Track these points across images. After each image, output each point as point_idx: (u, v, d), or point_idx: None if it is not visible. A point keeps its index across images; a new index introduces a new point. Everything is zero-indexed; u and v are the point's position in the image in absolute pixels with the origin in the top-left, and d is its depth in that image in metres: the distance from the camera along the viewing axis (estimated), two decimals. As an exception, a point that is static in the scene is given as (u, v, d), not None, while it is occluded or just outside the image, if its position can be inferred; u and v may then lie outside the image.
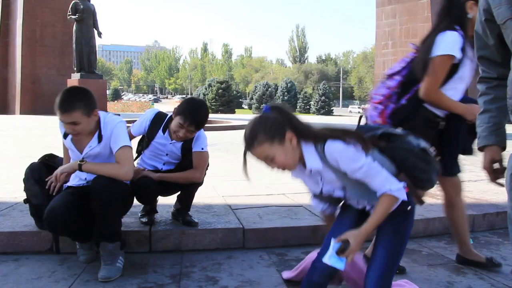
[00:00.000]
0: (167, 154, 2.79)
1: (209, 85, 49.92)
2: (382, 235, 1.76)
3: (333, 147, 1.63)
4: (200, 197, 3.48)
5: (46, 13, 18.09)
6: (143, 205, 2.92)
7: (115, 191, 2.30)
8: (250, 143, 1.68)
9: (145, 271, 2.41)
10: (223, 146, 7.67)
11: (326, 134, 1.67)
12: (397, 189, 1.64)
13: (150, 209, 2.91)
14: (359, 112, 53.37)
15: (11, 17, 18.88)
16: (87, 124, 2.32)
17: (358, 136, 1.66)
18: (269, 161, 1.67)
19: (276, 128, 1.65)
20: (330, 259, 1.65)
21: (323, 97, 50.77)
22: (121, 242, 2.42)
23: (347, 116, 35.30)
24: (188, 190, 2.83)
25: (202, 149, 2.74)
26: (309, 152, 1.67)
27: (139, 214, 2.92)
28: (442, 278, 2.37)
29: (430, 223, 3.11)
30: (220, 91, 47.72)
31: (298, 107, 54.53)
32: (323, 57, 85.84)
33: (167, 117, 2.81)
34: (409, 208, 1.75)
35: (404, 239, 1.78)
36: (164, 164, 2.81)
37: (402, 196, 1.65)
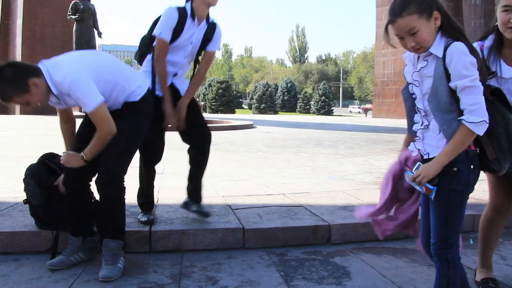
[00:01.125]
0: (191, 43, 2.83)
1: (209, 85, 49.86)
2: (431, 202, 1.73)
3: (458, 47, 1.61)
4: (200, 197, 3.49)
5: (46, 13, 18.05)
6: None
7: (119, 187, 2.38)
8: (399, 13, 1.64)
9: (145, 271, 2.41)
10: (223, 146, 7.68)
11: (461, 36, 1.67)
12: (480, 121, 1.59)
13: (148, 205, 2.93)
14: (359, 112, 53.48)
15: (11, 17, 18.86)
16: (37, 97, 2.33)
17: (481, 63, 1.66)
18: (410, 35, 1.65)
19: (428, 3, 1.64)
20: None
21: (323, 97, 50.76)
22: (123, 242, 2.43)
23: (347, 116, 35.31)
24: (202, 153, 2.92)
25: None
26: (440, 40, 1.67)
27: (139, 214, 2.92)
28: (441, 278, 2.37)
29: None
30: (220, 91, 47.71)
31: (298, 107, 54.60)
32: (323, 57, 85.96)
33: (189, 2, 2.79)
34: (455, 169, 1.66)
35: (451, 204, 1.70)
36: (185, 58, 2.86)
37: (480, 131, 1.60)
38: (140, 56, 2.97)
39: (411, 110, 1.86)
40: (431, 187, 1.65)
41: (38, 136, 8.76)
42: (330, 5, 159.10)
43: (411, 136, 1.90)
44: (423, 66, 1.71)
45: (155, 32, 2.75)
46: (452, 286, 1.76)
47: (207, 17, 2.84)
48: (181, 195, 3.53)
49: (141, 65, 2.96)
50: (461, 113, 1.62)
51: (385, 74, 20.34)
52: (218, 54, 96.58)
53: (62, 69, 2.30)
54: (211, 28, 2.87)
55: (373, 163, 5.68)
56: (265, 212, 3.15)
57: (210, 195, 3.61)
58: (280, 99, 55.59)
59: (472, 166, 1.68)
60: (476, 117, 1.58)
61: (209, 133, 2.97)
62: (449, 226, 1.73)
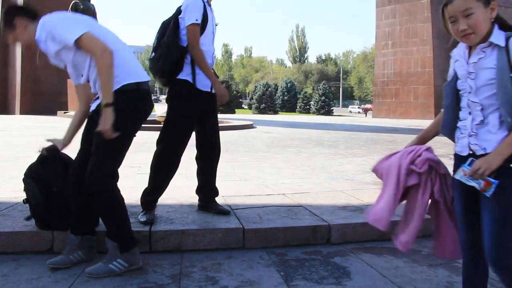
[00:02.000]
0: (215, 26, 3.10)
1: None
2: (488, 203, 1.63)
3: None
4: (200, 197, 3.49)
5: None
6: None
7: (103, 191, 2.36)
8: None
9: (145, 271, 2.41)
10: (223, 146, 7.61)
11: None
12: None
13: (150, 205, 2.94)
14: (359, 112, 53.47)
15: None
16: (23, 37, 2.40)
17: None
18: (465, 16, 1.63)
19: None
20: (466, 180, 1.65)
21: (323, 97, 50.73)
22: (120, 245, 2.38)
23: (347, 116, 35.31)
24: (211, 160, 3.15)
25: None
26: (499, 31, 1.66)
27: (139, 214, 2.92)
28: (442, 278, 2.37)
29: (429, 223, 3.09)
30: (220, 91, 47.57)
31: (298, 107, 54.54)
32: (323, 57, 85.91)
33: None
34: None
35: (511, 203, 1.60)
36: (213, 44, 3.07)
37: None
38: (174, 64, 2.83)
39: (450, 107, 1.79)
40: (492, 180, 1.56)
41: (38, 136, 8.75)
42: (330, 5, 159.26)
43: (430, 133, 1.92)
44: (481, 57, 1.66)
45: (190, 20, 2.80)
46: None
47: None
48: (181, 195, 3.55)
49: (174, 76, 2.86)
50: None
51: (385, 74, 20.34)
52: (218, 54, 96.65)
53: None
54: None
55: (373, 163, 5.68)
56: (265, 212, 3.15)
57: (210, 195, 3.62)
58: (280, 99, 55.56)
59: None
60: None
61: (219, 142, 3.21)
62: (509, 228, 1.61)
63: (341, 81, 69.87)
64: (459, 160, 1.73)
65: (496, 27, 1.66)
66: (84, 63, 2.36)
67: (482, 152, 1.65)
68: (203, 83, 2.91)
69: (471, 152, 1.69)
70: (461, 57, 1.74)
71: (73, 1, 14.77)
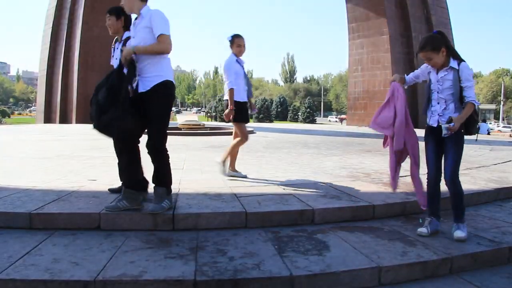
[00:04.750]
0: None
1: (219, 100, 49.90)
2: (449, 144, 2.47)
3: (466, 65, 2.47)
4: (212, 187, 3.48)
5: (97, 47, 18.15)
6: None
7: (161, 151, 2.65)
8: (420, 49, 2.49)
9: (170, 244, 2.40)
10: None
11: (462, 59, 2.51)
12: (477, 101, 2.44)
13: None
14: (336, 121, 53.30)
15: (71, 50, 19.30)
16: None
17: None
18: (429, 60, 2.49)
19: (437, 44, 2.45)
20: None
21: (308, 109, 50.73)
22: (167, 189, 2.70)
23: (327, 124, 35.21)
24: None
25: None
26: (453, 61, 2.49)
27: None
28: (399, 248, 2.36)
29: (390, 207, 3.09)
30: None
31: (288, 117, 54.49)
32: (308, 78, 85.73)
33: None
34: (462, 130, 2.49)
35: (462, 147, 2.51)
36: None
37: (476, 105, 2.42)
38: None
39: (426, 98, 2.58)
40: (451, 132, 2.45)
41: (88, 140, 8.76)
42: (314, 37, 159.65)
43: (402, 80, 2.77)
44: (445, 74, 2.49)
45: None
46: (463, 196, 2.54)
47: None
48: (197, 186, 3.53)
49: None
50: (461, 100, 2.45)
51: (356, 92, 20.29)
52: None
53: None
54: None
55: (347, 160, 5.67)
56: (263, 199, 3.13)
57: (220, 186, 3.61)
58: (274, 111, 55.49)
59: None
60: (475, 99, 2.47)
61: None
62: (459, 160, 2.49)
63: (322, 97, 69.67)
64: (430, 129, 2.58)
65: (451, 58, 2.47)
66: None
67: (447, 121, 2.45)
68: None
69: (439, 124, 2.50)
70: (432, 71, 2.56)
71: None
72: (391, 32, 18.11)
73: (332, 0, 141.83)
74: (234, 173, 4.04)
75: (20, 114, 61.42)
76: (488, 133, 16.14)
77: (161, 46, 2.59)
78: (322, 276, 2.03)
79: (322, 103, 69.20)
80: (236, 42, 3.92)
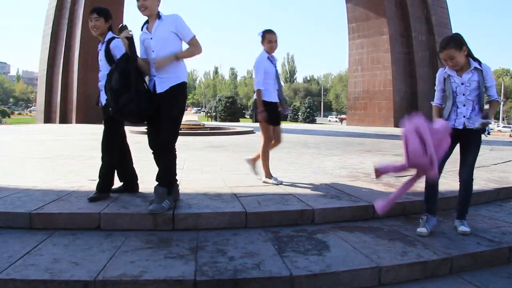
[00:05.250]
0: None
1: (219, 100, 49.95)
2: (471, 146, 2.53)
3: (486, 65, 2.52)
4: (212, 187, 3.48)
5: (97, 47, 18.16)
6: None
7: (169, 152, 2.70)
8: (444, 47, 2.47)
9: (170, 244, 2.40)
10: (230, 147, 7.66)
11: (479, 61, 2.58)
12: (500, 99, 2.59)
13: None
14: (336, 121, 53.32)
15: (71, 50, 19.34)
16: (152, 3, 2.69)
17: None
18: (451, 59, 2.47)
19: (459, 43, 2.46)
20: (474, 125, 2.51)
21: (308, 109, 50.74)
22: (168, 189, 2.70)
23: (327, 124, 35.21)
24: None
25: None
26: (473, 62, 2.51)
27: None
28: (399, 248, 2.36)
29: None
30: (227, 104, 47.87)
31: (288, 117, 54.46)
32: (308, 78, 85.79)
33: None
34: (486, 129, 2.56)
35: (480, 146, 2.57)
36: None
37: (500, 102, 2.57)
38: None
39: (453, 102, 2.58)
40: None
41: (90, 140, 8.76)
42: (314, 37, 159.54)
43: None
44: (471, 76, 2.50)
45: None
46: (472, 194, 2.61)
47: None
48: (197, 186, 3.53)
49: None
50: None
51: (356, 92, 20.28)
52: (226, 76, 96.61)
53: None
54: None
55: (347, 160, 5.67)
56: (263, 199, 3.13)
57: (220, 186, 3.61)
58: (275, 111, 55.34)
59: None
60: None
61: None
62: (475, 159, 2.56)
63: (322, 97, 69.70)
64: (456, 130, 2.52)
65: (470, 59, 2.49)
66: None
67: (471, 127, 2.50)
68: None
69: (465, 127, 2.53)
70: (453, 75, 2.53)
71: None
72: (391, 32, 18.12)
73: (332, 0, 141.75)
74: (267, 180, 3.79)
75: (20, 114, 61.50)
76: (488, 133, 16.14)
77: (197, 48, 2.75)
78: (322, 276, 2.03)
79: (322, 103, 69.23)
80: (267, 37, 3.61)
